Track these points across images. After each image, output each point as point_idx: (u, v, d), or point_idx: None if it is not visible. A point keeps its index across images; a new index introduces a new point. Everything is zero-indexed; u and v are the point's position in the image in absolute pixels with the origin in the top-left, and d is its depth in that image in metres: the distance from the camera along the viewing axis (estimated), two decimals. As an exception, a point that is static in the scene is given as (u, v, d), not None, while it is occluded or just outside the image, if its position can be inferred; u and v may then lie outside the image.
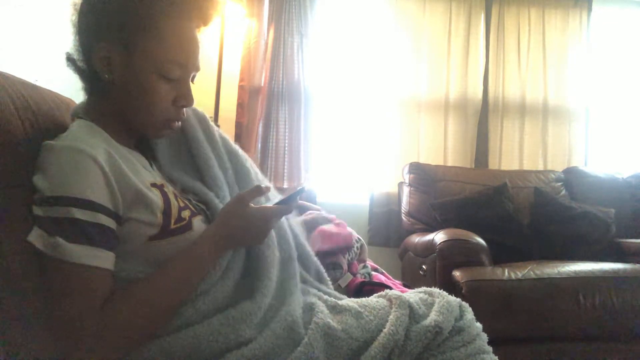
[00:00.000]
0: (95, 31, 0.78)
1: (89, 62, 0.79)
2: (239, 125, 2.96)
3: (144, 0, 0.77)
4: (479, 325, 0.87)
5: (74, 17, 0.81)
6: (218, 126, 1.01)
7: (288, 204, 0.88)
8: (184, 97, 0.83)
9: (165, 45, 0.79)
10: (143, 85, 0.79)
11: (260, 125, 2.96)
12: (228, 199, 0.92)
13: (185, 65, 0.81)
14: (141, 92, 0.79)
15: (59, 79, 1.60)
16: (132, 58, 0.78)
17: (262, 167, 2.91)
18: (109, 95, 0.81)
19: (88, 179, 0.69)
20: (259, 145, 2.97)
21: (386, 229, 3.00)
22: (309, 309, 0.84)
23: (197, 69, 0.85)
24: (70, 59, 0.83)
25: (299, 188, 0.89)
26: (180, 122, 0.87)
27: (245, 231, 0.83)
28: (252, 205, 0.85)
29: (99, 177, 0.70)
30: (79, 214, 0.67)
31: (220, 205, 0.88)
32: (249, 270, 0.86)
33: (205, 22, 0.86)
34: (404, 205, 2.80)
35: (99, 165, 0.70)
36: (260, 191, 0.86)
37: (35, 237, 0.66)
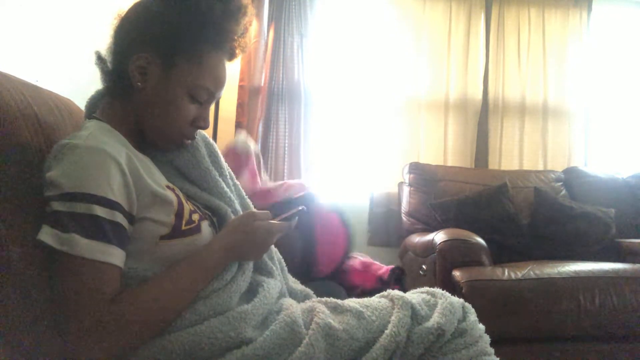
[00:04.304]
0: (138, 41, 0.82)
1: (122, 66, 0.83)
2: (239, 125, 2.96)
3: (195, 26, 0.82)
4: (481, 326, 0.87)
5: (115, 22, 0.86)
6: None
7: (289, 222, 0.92)
8: (203, 120, 0.89)
9: (203, 71, 0.84)
10: (171, 100, 0.83)
11: (260, 125, 2.96)
12: (240, 212, 0.96)
13: (213, 93, 0.87)
14: (167, 106, 0.84)
15: (59, 79, 1.60)
16: (168, 73, 0.83)
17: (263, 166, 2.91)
18: (133, 100, 0.84)
19: (109, 178, 0.71)
20: (259, 145, 2.97)
21: (386, 229, 3.01)
22: (310, 310, 0.84)
23: (218, 98, 0.91)
24: (100, 58, 0.87)
25: (299, 208, 0.92)
26: (191, 141, 0.91)
27: (249, 242, 0.85)
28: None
29: (119, 178, 0.73)
30: (99, 211, 0.69)
31: (232, 216, 0.92)
32: (251, 292, 0.87)
33: (231, 58, 0.91)
34: (404, 205, 2.80)
35: (119, 167, 0.73)
36: (269, 217, 0.90)
37: (47, 234, 0.67)
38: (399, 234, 2.84)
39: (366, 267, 1.70)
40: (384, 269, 1.65)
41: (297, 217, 0.93)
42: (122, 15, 0.87)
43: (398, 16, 3.12)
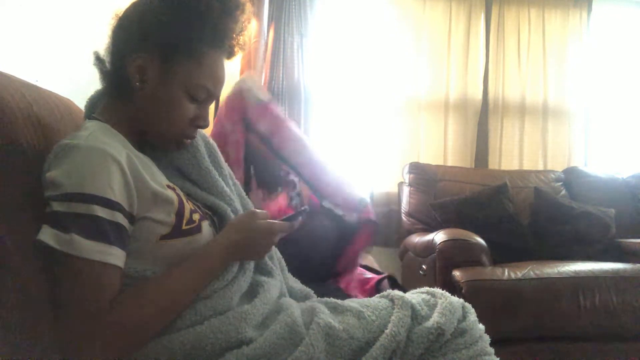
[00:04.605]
0: (136, 41, 0.82)
1: (121, 66, 0.82)
2: (239, 125, 2.96)
3: (193, 26, 0.82)
4: (481, 326, 0.87)
5: (114, 22, 0.86)
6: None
7: (291, 222, 0.91)
8: (202, 119, 0.88)
9: (202, 70, 0.84)
10: (170, 99, 0.83)
11: (260, 125, 2.96)
12: (240, 211, 0.96)
13: (212, 92, 0.87)
14: (166, 106, 0.83)
15: (59, 79, 1.60)
16: (167, 73, 0.82)
17: (262, 167, 2.91)
18: (132, 101, 0.84)
19: (110, 179, 0.71)
20: (259, 145, 2.96)
21: (386, 229, 3.00)
22: (310, 310, 0.85)
23: (218, 97, 0.90)
24: (99, 59, 0.87)
25: (302, 208, 0.92)
26: (190, 140, 0.91)
27: (251, 242, 0.85)
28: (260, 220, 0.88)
29: (119, 178, 0.72)
30: (100, 211, 0.69)
31: (232, 216, 0.92)
32: (252, 292, 0.87)
33: (230, 56, 0.91)
34: (404, 205, 2.80)
35: (120, 167, 0.73)
36: (268, 216, 0.90)
37: (47, 235, 0.67)
38: (399, 234, 2.84)
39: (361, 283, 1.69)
40: (371, 282, 1.63)
41: (299, 218, 0.93)
42: (120, 15, 0.86)
43: (398, 16, 3.12)
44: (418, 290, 0.93)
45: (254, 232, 0.85)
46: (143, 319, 0.71)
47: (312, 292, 1.03)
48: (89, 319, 0.67)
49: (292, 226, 0.92)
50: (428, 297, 0.88)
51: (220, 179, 0.95)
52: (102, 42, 0.87)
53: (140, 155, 0.82)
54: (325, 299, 0.90)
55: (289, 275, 1.03)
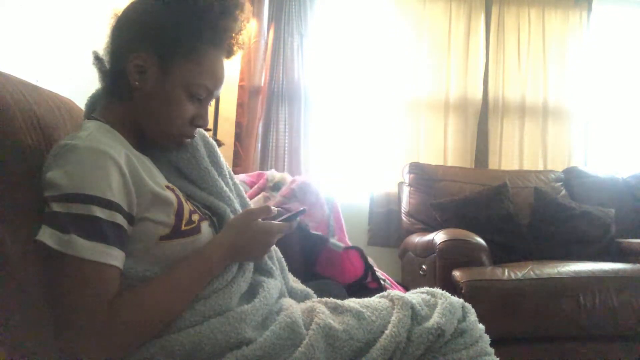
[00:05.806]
0: (135, 40, 0.82)
1: (120, 66, 0.82)
2: (238, 125, 2.97)
3: (192, 25, 0.82)
4: (481, 326, 0.87)
5: (113, 21, 0.86)
6: (218, 142, 1.04)
7: (290, 223, 0.91)
8: (202, 118, 0.88)
9: (201, 69, 0.84)
10: (170, 99, 0.83)
11: (260, 125, 2.96)
12: (240, 212, 0.95)
13: (212, 91, 0.87)
14: (166, 105, 0.83)
15: (59, 79, 1.60)
16: (166, 72, 0.82)
17: (262, 167, 2.92)
18: (131, 100, 0.84)
19: (109, 179, 0.71)
20: (259, 145, 2.97)
21: (386, 229, 3.01)
22: (310, 310, 0.85)
23: (217, 96, 0.91)
24: (98, 58, 0.87)
25: (300, 209, 0.92)
26: (190, 140, 0.91)
27: (250, 242, 0.85)
28: (259, 220, 0.88)
29: (119, 179, 0.72)
30: (99, 212, 0.69)
31: (232, 216, 0.91)
32: (251, 292, 0.87)
33: (229, 55, 0.91)
34: (404, 205, 2.80)
35: (119, 168, 0.73)
36: (269, 212, 0.89)
37: (46, 235, 0.67)
38: (399, 234, 2.85)
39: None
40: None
41: (297, 218, 0.93)
42: (119, 14, 0.86)
43: (398, 16, 3.12)
44: (418, 290, 0.93)
45: (252, 232, 0.85)
46: (142, 320, 0.71)
47: (312, 292, 1.03)
48: (88, 319, 0.67)
49: (291, 226, 0.91)
50: (428, 297, 0.88)
51: (219, 179, 0.95)
52: (101, 41, 0.87)
53: (140, 155, 0.82)
54: (325, 299, 0.90)
55: (290, 276, 1.03)
